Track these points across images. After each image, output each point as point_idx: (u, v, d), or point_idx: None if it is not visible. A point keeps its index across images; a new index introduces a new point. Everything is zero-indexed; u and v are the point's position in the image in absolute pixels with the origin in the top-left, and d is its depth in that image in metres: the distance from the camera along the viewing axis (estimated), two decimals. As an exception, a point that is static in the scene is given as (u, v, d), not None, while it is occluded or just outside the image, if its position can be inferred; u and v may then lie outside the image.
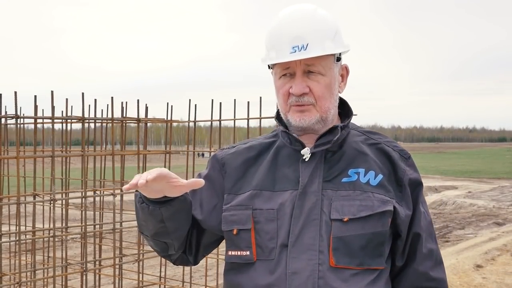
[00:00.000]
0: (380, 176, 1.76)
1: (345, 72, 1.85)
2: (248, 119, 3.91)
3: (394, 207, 1.73)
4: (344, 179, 1.74)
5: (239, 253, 1.75)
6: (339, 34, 1.78)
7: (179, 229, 1.78)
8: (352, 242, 1.69)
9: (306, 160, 1.75)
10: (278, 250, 1.69)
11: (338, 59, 1.78)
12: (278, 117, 1.86)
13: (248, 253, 1.73)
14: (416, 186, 1.82)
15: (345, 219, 1.69)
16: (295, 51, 1.70)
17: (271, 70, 1.82)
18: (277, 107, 1.87)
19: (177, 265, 2.00)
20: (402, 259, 1.81)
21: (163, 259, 4.55)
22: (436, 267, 1.84)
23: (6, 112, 3.60)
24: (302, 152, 1.75)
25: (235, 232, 1.74)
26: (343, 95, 1.88)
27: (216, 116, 4.09)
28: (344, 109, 1.87)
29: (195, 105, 4.22)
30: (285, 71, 1.75)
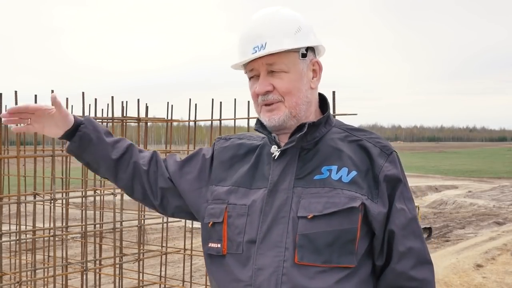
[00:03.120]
0: (354, 173, 1.72)
1: (317, 68, 1.83)
2: (248, 119, 3.91)
3: (364, 204, 1.68)
4: (316, 177, 1.73)
5: (213, 245, 1.79)
6: (304, 31, 1.77)
7: (99, 164, 1.98)
8: (317, 239, 1.66)
9: (275, 158, 1.76)
10: (245, 246, 1.71)
11: (304, 55, 1.76)
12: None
13: (219, 245, 1.77)
14: (393, 182, 1.75)
15: (310, 216, 1.67)
16: (255, 51, 1.72)
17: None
18: None
19: (140, 202, 2.11)
20: (382, 258, 1.76)
21: (163, 259, 4.56)
22: (418, 266, 1.76)
23: (6, 109, 3.61)
24: (271, 150, 1.77)
25: (210, 224, 1.79)
26: (328, 92, 1.89)
27: (216, 116, 4.10)
28: (326, 106, 1.88)
29: (195, 104, 4.23)
30: (252, 73, 1.78)
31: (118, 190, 3.95)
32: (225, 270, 1.75)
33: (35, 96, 3.58)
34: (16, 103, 3.39)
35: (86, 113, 3.85)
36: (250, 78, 1.80)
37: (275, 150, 1.76)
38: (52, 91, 3.22)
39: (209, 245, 1.80)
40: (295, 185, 1.72)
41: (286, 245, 1.67)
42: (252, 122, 3.90)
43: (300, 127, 1.75)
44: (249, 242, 1.71)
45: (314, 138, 1.77)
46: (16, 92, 3.47)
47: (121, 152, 1.96)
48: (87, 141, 1.91)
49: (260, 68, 1.75)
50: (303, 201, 1.70)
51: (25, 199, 3.63)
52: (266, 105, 1.76)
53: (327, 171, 1.73)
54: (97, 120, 4.07)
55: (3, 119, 1.87)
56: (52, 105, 1.83)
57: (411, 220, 1.76)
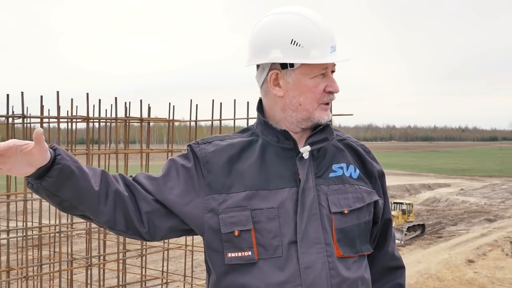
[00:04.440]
0: (357, 170, 1.80)
1: None
2: (248, 119, 3.92)
3: (377, 198, 1.81)
4: (331, 174, 1.75)
5: (240, 254, 1.68)
6: None
7: (81, 198, 1.62)
8: (351, 232, 1.72)
9: (305, 157, 1.73)
10: (285, 247, 1.67)
11: None
12: (262, 115, 1.81)
13: (250, 253, 1.67)
14: (383, 177, 1.89)
15: (346, 211, 1.71)
16: (331, 52, 1.70)
17: (278, 69, 1.73)
18: (259, 103, 1.84)
19: (130, 237, 1.82)
20: (374, 243, 1.87)
21: (165, 255, 4.57)
22: (396, 247, 1.94)
23: (13, 112, 3.60)
24: (302, 150, 1.72)
25: (236, 233, 1.67)
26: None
27: (216, 116, 4.11)
28: None
29: (196, 105, 4.24)
30: (323, 70, 1.71)
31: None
32: (261, 277, 1.67)
33: (41, 97, 3.58)
34: (22, 104, 3.39)
35: (91, 114, 3.85)
36: (314, 76, 1.70)
37: (306, 150, 1.73)
38: (40, 127, 3.17)
39: (231, 255, 1.69)
40: (317, 183, 1.73)
41: (325, 241, 1.68)
42: (251, 122, 3.91)
43: (323, 129, 1.76)
44: (290, 243, 1.67)
45: (333, 138, 1.79)
46: (22, 93, 3.47)
47: (99, 181, 1.65)
48: (68, 174, 1.56)
49: (330, 67, 1.73)
50: (331, 198, 1.72)
51: (32, 197, 3.63)
52: (325, 103, 1.74)
53: (339, 169, 1.77)
54: (101, 121, 4.07)
55: None
56: (36, 141, 1.48)
57: None
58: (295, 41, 1.67)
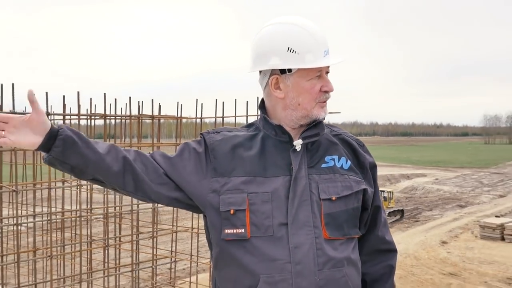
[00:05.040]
0: (349, 162, 1.80)
1: None
2: (247, 116, 3.92)
3: (366, 187, 1.81)
4: (323, 165, 1.76)
5: (234, 230, 1.70)
6: None
7: (87, 163, 1.65)
8: (338, 217, 1.73)
9: (298, 150, 1.74)
10: (276, 228, 1.68)
11: None
12: (264, 112, 1.82)
13: (242, 230, 1.68)
14: (374, 168, 1.88)
15: (333, 198, 1.72)
16: (324, 56, 1.71)
17: (278, 74, 1.74)
18: (262, 102, 1.84)
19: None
20: (365, 227, 1.87)
21: (174, 236, 4.58)
22: (388, 232, 1.92)
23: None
24: (295, 143, 1.74)
25: (232, 212, 1.69)
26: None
27: (219, 114, 4.11)
28: None
29: (201, 104, 4.24)
30: (318, 73, 1.72)
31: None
32: (254, 253, 1.68)
33: (63, 96, 3.57)
34: (47, 102, 3.38)
35: (108, 111, 3.84)
36: (311, 78, 1.71)
37: (299, 143, 1.74)
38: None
39: (228, 231, 1.71)
40: (309, 173, 1.74)
41: (314, 224, 1.69)
42: (250, 119, 3.92)
43: (316, 125, 1.78)
44: (280, 225, 1.68)
45: (323, 133, 1.81)
46: (47, 93, 3.47)
47: (107, 149, 1.69)
48: (71, 142, 1.60)
49: (324, 70, 1.74)
50: (321, 186, 1.73)
51: (55, 185, 3.63)
52: (322, 101, 1.75)
53: (331, 160, 1.78)
54: (117, 118, 4.07)
55: None
56: (29, 101, 1.54)
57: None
58: (291, 49, 1.68)
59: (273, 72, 1.74)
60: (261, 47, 1.74)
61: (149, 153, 1.81)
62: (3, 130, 1.56)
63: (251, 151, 1.76)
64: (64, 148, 1.60)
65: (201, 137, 1.83)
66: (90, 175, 1.70)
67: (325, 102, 1.75)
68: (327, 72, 1.75)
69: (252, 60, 1.78)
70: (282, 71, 1.72)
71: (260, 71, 1.79)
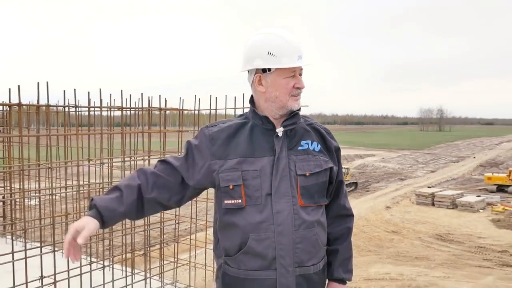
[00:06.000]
0: (319, 145, 1.81)
1: None
2: (235, 108, 3.91)
3: (332, 165, 1.82)
4: (300, 148, 1.77)
5: (233, 201, 1.72)
6: None
7: (131, 215, 1.75)
8: (311, 189, 1.75)
9: (280, 135, 1.75)
10: (263, 198, 1.69)
11: None
12: (253, 105, 1.82)
13: (239, 201, 1.71)
14: (338, 151, 1.89)
15: (307, 174, 1.74)
16: (298, 59, 1.71)
17: (261, 73, 1.74)
18: (251, 98, 1.84)
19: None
20: (330, 197, 1.88)
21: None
22: (347, 201, 1.94)
23: (68, 103, 3.54)
24: (277, 130, 1.75)
25: (231, 187, 1.71)
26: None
27: (213, 106, 4.09)
28: None
29: (199, 98, 4.23)
30: (292, 73, 1.72)
31: (146, 157, 3.94)
32: (246, 217, 1.70)
33: (88, 92, 3.53)
34: (75, 97, 3.34)
35: (124, 104, 3.80)
36: (286, 77, 1.71)
37: (280, 131, 1.75)
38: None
39: (227, 202, 1.73)
40: (289, 154, 1.75)
41: (292, 194, 1.71)
42: (238, 111, 3.92)
43: (294, 116, 1.78)
44: (266, 195, 1.70)
45: (299, 122, 1.82)
46: (75, 89, 3.42)
47: (131, 201, 1.71)
48: (113, 217, 1.68)
49: (297, 70, 1.74)
50: (298, 164, 1.74)
51: (82, 163, 3.59)
52: (295, 95, 1.74)
53: (305, 144, 1.79)
54: (131, 110, 4.04)
55: (70, 257, 1.59)
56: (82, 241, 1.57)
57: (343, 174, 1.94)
58: (270, 52, 1.70)
59: (257, 71, 1.75)
60: (249, 51, 1.75)
61: (163, 160, 1.82)
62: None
63: (243, 137, 1.77)
64: (111, 222, 1.70)
65: (199, 131, 1.85)
66: (140, 216, 1.79)
67: (297, 96, 1.76)
68: (300, 74, 1.76)
69: (242, 62, 1.80)
70: (264, 70, 1.73)
71: (248, 71, 1.79)
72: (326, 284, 1.90)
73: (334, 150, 1.86)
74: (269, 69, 1.72)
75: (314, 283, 1.75)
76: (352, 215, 1.95)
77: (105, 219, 1.66)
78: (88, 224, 1.60)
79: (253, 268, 1.69)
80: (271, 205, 1.69)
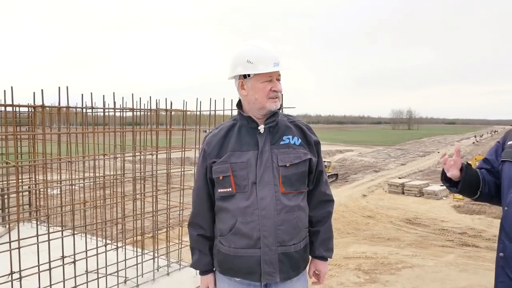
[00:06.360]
0: (299, 140, 1.81)
1: None
2: (231, 110, 3.91)
3: (311, 157, 1.81)
4: (282, 142, 1.78)
5: (224, 190, 1.74)
6: None
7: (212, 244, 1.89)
8: (291, 178, 1.75)
9: (262, 132, 1.76)
10: (250, 186, 1.70)
11: None
12: (240, 107, 1.84)
13: (230, 189, 1.73)
14: (318, 145, 1.89)
15: (288, 165, 1.73)
16: (274, 66, 1.70)
17: (242, 79, 1.76)
18: (239, 101, 1.85)
19: None
20: (312, 185, 1.88)
21: (182, 192, 4.58)
22: (328, 188, 1.94)
23: (86, 104, 3.52)
24: (259, 128, 1.76)
25: (221, 178, 1.74)
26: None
27: (212, 108, 4.09)
28: None
29: (200, 101, 4.22)
30: (269, 78, 1.72)
31: (154, 152, 3.93)
32: (236, 203, 1.72)
33: (103, 95, 3.51)
34: (91, 99, 3.32)
35: (135, 106, 3.78)
36: (264, 81, 1.72)
37: (262, 128, 1.76)
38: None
39: (220, 190, 1.75)
40: (272, 148, 1.75)
41: (274, 183, 1.71)
42: (234, 112, 3.91)
43: (274, 115, 1.79)
44: (252, 184, 1.71)
45: (278, 120, 1.81)
46: (91, 93, 3.41)
47: (205, 249, 1.88)
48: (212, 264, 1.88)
49: (274, 76, 1.73)
50: (280, 156, 1.74)
51: (98, 157, 3.58)
52: (272, 98, 1.74)
53: (287, 139, 1.79)
54: (141, 111, 4.02)
55: None
56: None
57: (323, 165, 1.95)
58: (249, 61, 1.72)
59: (239, 77, 1.77)
60: (232, 61, 1.77)
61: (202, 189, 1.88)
62: None
63: (233, 136, 1.79)
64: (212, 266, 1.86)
65: (203, 139, 1.91)
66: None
67: (275, 98, 1.75)
68: (278, 79, 1.75)
69: (228, 70, 1.81)
70: (245, 76, 1.75)
71: (234, 77, 1.80)
72: (310, 261, 1.90)
73: (314, 143, 1.86)
74: (249, 75, 1.73)
75: (295, 260, 1.76)
76: (332, 201, 1.95)
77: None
78: (209, 281, 1.87)
79: (241, 247, 1.72)
80: (256, 192, 1.70)
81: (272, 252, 1.69)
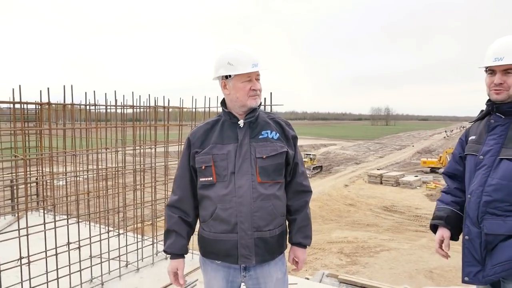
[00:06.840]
0: (277, 134, 1.79)
1: None
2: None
3: (287, 150, 1.78)
4: (260, 136, 1.76)
5: (206, 179, 1.74)
6: None
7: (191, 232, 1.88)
8: (267, 169, 1.73)
9: (241, 126, 1.76)
10: (229, 176, 1.70)
11: None
12: (223, 105, 1.83)
13: (211, 178, 1.73)
14: (295, 139, 1.86)
15: (264, 157, 1.73)
16: (255, 66, 1.69)
17: (224, 79, 1.75)
18: (223, 99, 1.84)
19: None
20: (289, 176, 1.84)
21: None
22: (305, 180, 1.89)
23: (89, 102, 3.48)
24: (239, 122, 1.76)
25: (203, 167, 1.74)
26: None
27: (207, 105, 4.08)
28: None
29: (195, 99, 4.20)
30: (248, 78, 1.71)
31: (153, 146, 3.90)
32: (216, 191, 1.72)
33: (105, 94, 3.48)
34: (94, 98, 3.28)
35: (135, 103, 3.75)
36: (244, 81, 1.71)
37: (241, 123, 1.75)
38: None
39: (202, 179, 1.75)
40: (251, 141, 1.74)
41: (251, 173, 1.70)
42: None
43: (253, 111, 1.77)
44: (231, 173, 1.70)
45: (257, 116, 1.80)
46: (94, 91, 3.37)
47: (186, 231, 1.85)
48: (186, 250, 1.85)
49: (253, 76, 1.72)
50: (258, 149, 1.73)
51: (101, 151, 3.54)
52: (252, 96, 1.73)
53: (265, 133, 1.77)
54: (141, 107, 3.99)
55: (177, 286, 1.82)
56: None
57: (301, 157, 1.91)
58: (229, 62, 1.71)
59: (222, 78, 1.76)
60: (215, 63, 1.77)
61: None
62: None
63: (216, 131, 1.79)
64: (185, 252, 1.84)
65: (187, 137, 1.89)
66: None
67: (255, 96, 1.74)
68: (257, 78, 1.74)
69: (212, 72, 1.81)
70: (227, 77, 1.74)
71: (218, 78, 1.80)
72: (289, 249, 1.90)
73: (291, 138, 1.83)
74: (230, 76, 1.73)
75: (271, 245, 1.75)
76: (308, 191, 1.90)
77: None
78: (179, 266, 1.83)
79: (220, 231, 1.72)
80: (234, 181, 1.70)
81: (248, 236, 1.70)
